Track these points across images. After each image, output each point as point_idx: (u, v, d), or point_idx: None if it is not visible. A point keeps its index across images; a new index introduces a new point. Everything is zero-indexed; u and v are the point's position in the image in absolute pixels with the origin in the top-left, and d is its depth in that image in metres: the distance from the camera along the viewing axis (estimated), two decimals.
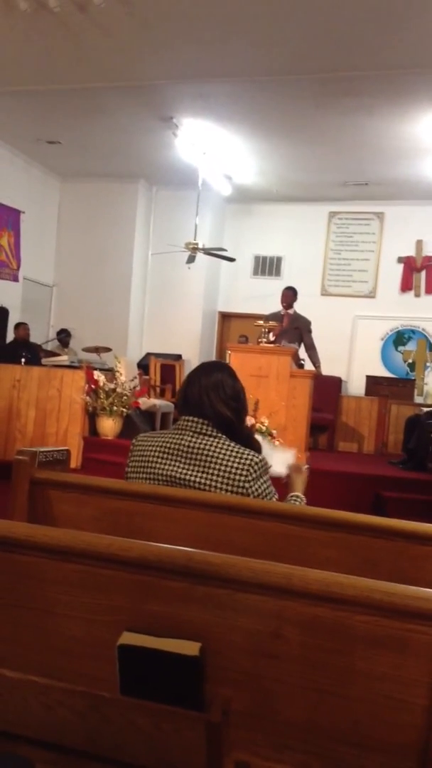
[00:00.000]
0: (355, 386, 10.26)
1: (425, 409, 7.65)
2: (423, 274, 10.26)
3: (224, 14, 5.59)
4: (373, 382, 10.01)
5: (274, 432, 5.60)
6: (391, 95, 6.79)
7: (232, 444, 1.99)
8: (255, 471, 1.95)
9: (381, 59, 6.10)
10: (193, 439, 1.98)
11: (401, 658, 1.12)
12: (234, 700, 1.18)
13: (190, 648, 1.19)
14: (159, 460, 1.99)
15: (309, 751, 1.16)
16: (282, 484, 2.43)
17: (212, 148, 8.61)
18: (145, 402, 7.32)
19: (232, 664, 1.20)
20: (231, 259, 9.50)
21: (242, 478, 1.94)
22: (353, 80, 6.57)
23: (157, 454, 2.01)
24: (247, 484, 1.94)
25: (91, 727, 1.18)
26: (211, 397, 2.02)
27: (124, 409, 6.41)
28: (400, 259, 10.34)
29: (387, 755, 1.12)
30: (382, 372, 10.29)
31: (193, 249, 8.94)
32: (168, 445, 2.00)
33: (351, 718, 1.14)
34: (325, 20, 5.55)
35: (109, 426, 6.36)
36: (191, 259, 9.07)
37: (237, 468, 1.94)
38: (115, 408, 6.31)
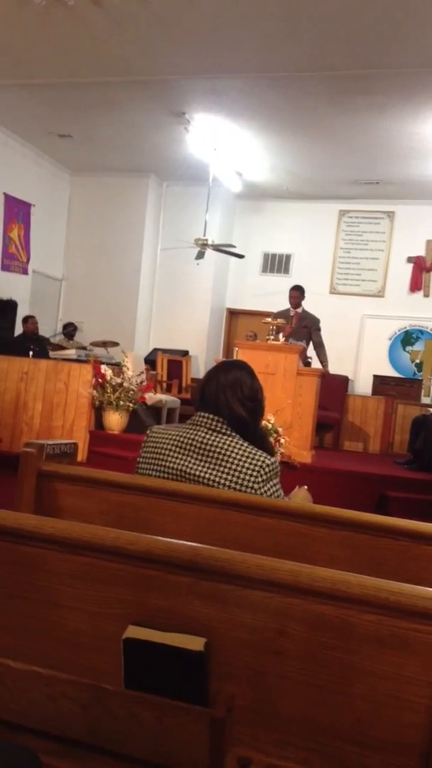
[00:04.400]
0: (362, 385, 10.24)
1: None
2: None
3: (238, 10, 5.58)
4: (380, 382, 10.00)
5: (280, 429, 5.60)
6: (403, 94, 6.77)
7: (245, 444, 1.98)
8: (266, 473, 1.95)
9: (394, 58, 6.07)
10: (207, 436, 1.98)
11: (405, 658, 1.12)
12: (237, 695, 1.18)
13: (194, 643, 1.19)
14: (172, 454, 2.00)
15: (311, 748, 1.16)
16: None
17: (223, 144, 8.60)
18: (151, 397, 7.32)
19: (236, 660, 1.20)
20: (240, 256, 9.49)
21: (252, 479, 1.93)
22: (366, 78, 6.55)
23: (170, 447, 2.01)
24: (256, 485, 1.94)
25: (95, 720, 1.18)
26: (227, 395, 2.02)
27: (131, 404, 6.42)
28: (409, 259, 10.31)
29: (389, 754, 1.12)
30: (389, 372, 10.27)
31: (203, 245, 8.94)
32: (182, 439, 2.00)
33: (353, 716, 1.14)
34: (338, 18, 5.53)
35: (115, 420, 6.36)
36: (200, 255, 9.07)
37: (248, 468, 1.94)
38: (121, 402, 6.32)
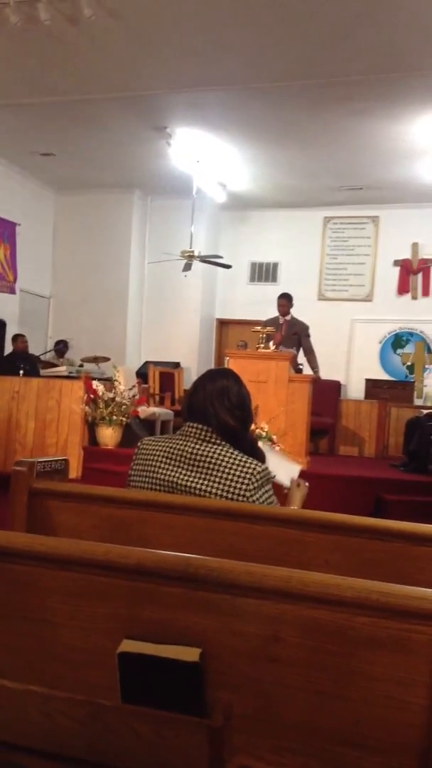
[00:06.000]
0: (355, 390, 10.26)
1: (425, 411, 7.66)
2: (419, 276, 10.28)
3: (215, 23, 5.63)
4: (372, 386, 10.01)
5: (274, 437, 5.60)
6: (382, 99, 6.82)
7: (236, 452, 1.99)
8: (257, 480, 1.95)
9: (371, 64, 6.13)
10: (197, 446, 1.98)
11: (401, 659, 1.12)
12: (235, 704, 1.18)
13: (190, 654, 1.19)
14: (162, 466, 2.00)
15: (310, 754, 1.16)
16: (282, 494, 2.44)
17: (206, 156, 8.65)
18: (144, 410, 7.32)
19: (232, 668, 1.20)
20: (227, 266, 9.52)
21: (244, 487, 1.93)
22: (345, 85, 6.61)
23: (160, 459, 2.01)
24: (248, 493, 1.93)
25: (92, 736, 1.17)
26: (215, 404, 2.02)
27: (124, 418, 6.42)
28: (396, 262, 10.36)
29: (388, 756, 1.12)
30: (381, 375, 10.30)
31: (189, 257, 8.96)
32: (172, 450, 2.00)
33: (352, 720, 1.14)
34: (315, 27, 5.58)
35: (108, 435, 6.36)
36: (188, 267, 9.09)
37: (239, 477, 1.94)
38: (114, 417, 6.31)
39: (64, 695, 1.20)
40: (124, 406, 6.39)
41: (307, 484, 2.52)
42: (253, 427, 5.32)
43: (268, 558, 1.71)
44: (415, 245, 10.25)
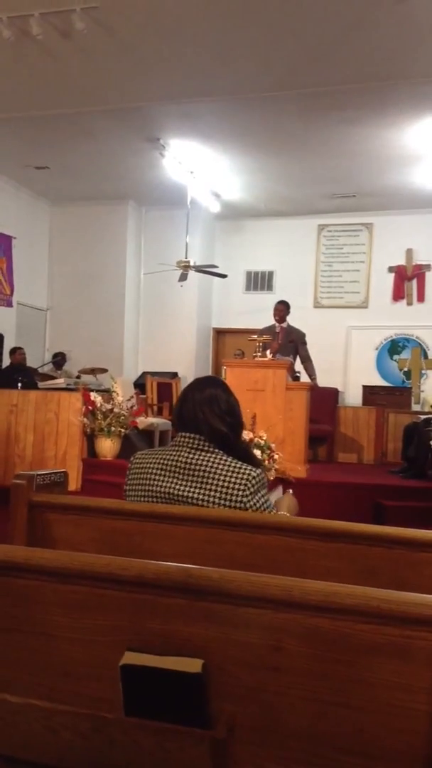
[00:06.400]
0: (352, 396, 10.27)
1: (423, 417, 7.66)
2: (414, 282, 10.31)
3: (206, 35, 5.67)
4: (369, 392, 10.02)
5: (272, 445, 5.60)
6: (374, 107, 6.87)
7: (229, 459, 1.99)
8: (253, 485, 1.95)
9: (363, 72, 6.17)
10: (190, 455, 1.98)
11: (403, 665, 1.12)
12: (238, 715, 1.18)
13: (192, 665, 1.19)
14: (157, 478, 2.00)
15: (314, 763, 1.16)
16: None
17: (200, 166, 8.69)
18: (142, 421, 7.31)
19: (234, 679, 1.20)
20: (223, 276, 9.54)
21: (240, 493, 1.94)
22: (336, 94, 6.65)
23: (155, 471, 2.01)
24: (245, 499, 1.94)
25: (95, 749, 1.17)
26: (205, 412, 2.02)
27: (122, 429, 6.41)
28: (390, 269, 10.40)
29: (392, 763, 1.12)
30: (378, 381, 10.31)
31: (185, 267, 8.98)
32: (166, 461, 2.00)
33: (355, 728, 1.14)
34: (305, 37, 5.62)
35: (107, 447, 6.35)
36: (183, 277, 9.11)
37: (235, 483, 1.94)
38: (113, 428, 6.30)
39: (67, 709, 1.20)
40: (122, 417, 6.38)
41: (290, 490, 2.54)
42: (251, 435, 5.33)
43: (269, 566, 1.71)
44: (409, 251, 10.29)
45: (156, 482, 1.99)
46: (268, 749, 1.18)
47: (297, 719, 1.16)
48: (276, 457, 5.62)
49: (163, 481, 1.99)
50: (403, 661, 1.12)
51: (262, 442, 5.43)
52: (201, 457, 1.98)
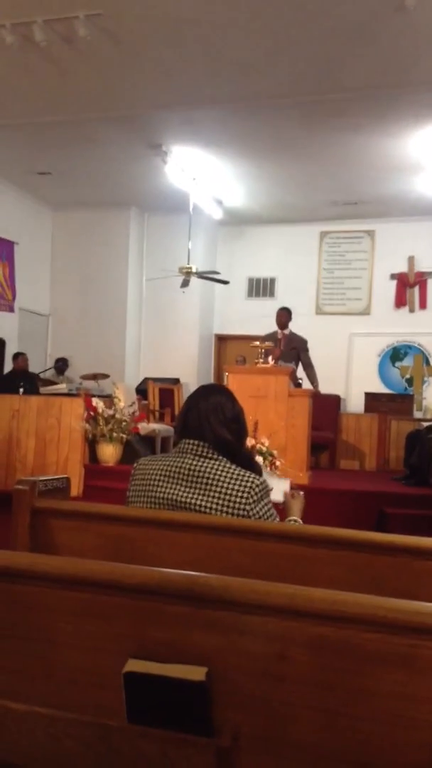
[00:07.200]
0: (354, 403, 10.26)
1: (425, 424, 7.65)
2: (416, 289, 10.32)
3: (208, 42, 5.68)
4: (371, 399, 10.02)
5: (274, 452, 5.59)
6: (376, 114, 6.88)
7: (233, 467, 1.99)
8: (256, 494, 1.95)
9: (364, 80, 6.19)
10: (194, 462, 1.98)
11: (408, 675, 1.11)
12: (242, 723, 1.17)
13: (196, 673, 1.18)
14: (160, 484, 1.99)
15: None
16: (280, 509, 2.44)
17: (202, 173, 8.70)
18: (144, 427, 7.31)
19: (239, 687, 1.19)
20: (225, 282, 9.55)
21: (243, 501, 1.93)
22: (339, 102, 6.67)
23: (158, 477, 2.00)
24: (248, 507, 1.93)
25: (99, 757, 1.16)
26: (210, 420, 2.02)
27: (124, 435, 6.41)
28: (392, 276, 10.40)
29: None
30: (380, 388, 10.31)
31: (187, 273, 8.99)
32: (169, 468, 2.00)
33: (360, 738, 1.12)
34: (308, 44, 5.64)
35: (109, 452, 6.35)
36: (185, 284, 9.12)
37: (238, 491, 1.94)
38: (114, 434, 6.31)
39: (70, 716, 1.19)
40: (124, 423, 6.39)
41: (301, 492, 2.52)
42: (253, 442, 5.32)
43: (273, 574, 1.71)
44: (411, 258, 10.30)
45: (159, 488, 1.99)
46: (273, 758, 1.17)
47: (302, 728, 1.15)
48: (278, 464, 5.61)
49: (166, 487, 1.98)
50: (408, 670, 1.11)
51: (264, 449, 5.42)
52: (205, 464, 1.97)
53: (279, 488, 2.64)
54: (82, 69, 6.17)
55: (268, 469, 5.41)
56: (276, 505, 2.42)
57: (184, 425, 2.07)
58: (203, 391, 2.14)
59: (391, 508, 5.74)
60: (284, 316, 7.73)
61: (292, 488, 2.59)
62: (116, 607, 1.25)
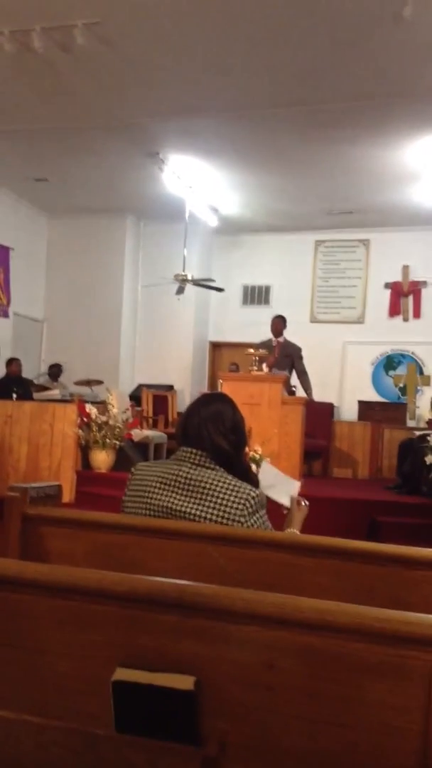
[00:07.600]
0: (348, 411, 10.28)
1: (418, 433, 7.66)
2: (410, 298, 10.36)
3: (206, 51, 5.71)
4: (365, 407, 10.04)
5: (267, 460, 5.58)
6: (372, 124, 6.92)
7: (230, 477, 1.99)
8: (251, 506, 1.95)
9: (359, 90, 6.23)
10: (191, 471, 1.98)
11: (396, 684, 1.11)
12: (230, 732, 1.17)
13: (184, 682, 1.18)
14: (157, 491, 1.99)
15: None
16: (282, 515, 2.43)
17: (198, 181, 8.73)
18: (137, 433, 7.31)
19: (227, 696, 1.19)
20: (220, 290, 9.57)
21: (238, 512, 1.93)
22: (335, 111, 6.70)
23: (154, 484, 2.00)
24: (242, 519, 1.93)
25: (86, 766, 1.16)
26: (209, 429, 2.02)
27: (117, 442, 6.40)
28: (387, 285, 10.44)
29: None
30: (373, 397, 10.33)
31: (182, 280, 9.01)
32: (166, 475, 2.00)
33: (348, 747, 1.13)
34: (303, 55, 5.68)
35: (102, 459, 6.34)
36: (180, 291, 9.14)
37: (233, 501, 1.94)
38: (107, 441, 6.30)
39: (58, 724, 1.19)
40: (117, 430, 6.38)
41: (307, 503, 2.50)
42: (246, 449, 5.32)
43: (262, 583, 1.71)
44: (405, 268, 10.34)
45: (155, 496, 1.99)
46: (261, 767, 1.17)
47: (290, 737, 1.16)
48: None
49: (162, 495, 1.98)
50: (396, 680, 1.11)
51: (257, 456, 5.42)
52: (202, 473, 1.97)
53: (288, 490, 2.59)
54: (79, 77, 6.20)
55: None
56: (281, 508, 2.41)
57: (184, 432, 2.07)
58: (205, 399, 2.15)
59: (383, 517, 5.75)
60: (279, 324, 7.76)
61: (300, 495, 2.55)
62: (105, 615, 1.25)
